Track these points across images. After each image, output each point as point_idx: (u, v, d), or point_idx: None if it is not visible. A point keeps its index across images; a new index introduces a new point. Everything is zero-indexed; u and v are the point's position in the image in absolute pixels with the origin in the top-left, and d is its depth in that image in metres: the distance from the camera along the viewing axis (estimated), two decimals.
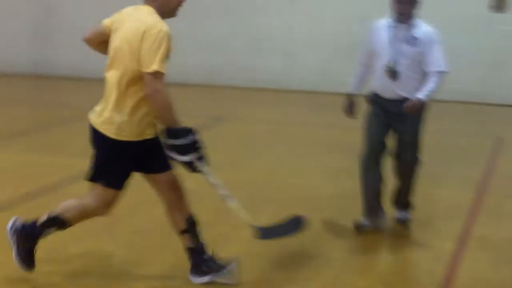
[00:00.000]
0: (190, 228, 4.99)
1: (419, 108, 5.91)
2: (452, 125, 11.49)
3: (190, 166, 4.66)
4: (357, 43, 12.98)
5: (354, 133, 10.08)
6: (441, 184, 8.06)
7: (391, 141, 6.21)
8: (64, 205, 4.93)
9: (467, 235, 6.30)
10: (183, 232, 4.99)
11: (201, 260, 5.01)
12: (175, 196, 4.95)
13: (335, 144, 9.77)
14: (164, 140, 4.65)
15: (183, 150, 4.59)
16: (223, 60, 14.40)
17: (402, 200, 6.39)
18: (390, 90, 6.14)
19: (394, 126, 6.17)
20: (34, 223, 4.93)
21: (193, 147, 4.63)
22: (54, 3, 15.34)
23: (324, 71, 13.98)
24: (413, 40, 6.06)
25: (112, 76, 4.67)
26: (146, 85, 4.51)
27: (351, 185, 7.12)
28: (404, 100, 6.00)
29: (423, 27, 6.09)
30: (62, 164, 8.30)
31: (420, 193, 6.63)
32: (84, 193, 4.94)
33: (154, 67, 4.48)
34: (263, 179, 7.91)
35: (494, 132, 11.05)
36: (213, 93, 13.84)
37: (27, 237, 4.92)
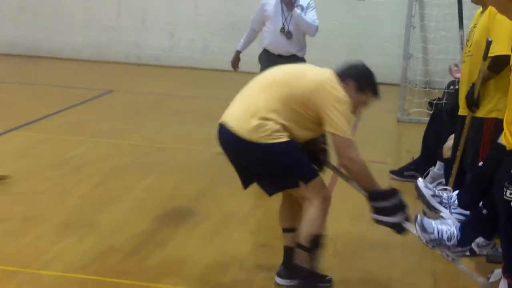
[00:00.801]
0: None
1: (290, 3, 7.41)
2: None
3: (399, 227, 4.29)
4: (234, 23, 13.55)
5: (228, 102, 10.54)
6: None
7: None
8: (301, 232, 4.40)
9: None
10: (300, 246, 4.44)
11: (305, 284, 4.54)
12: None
13: (212, 114, 10.10)
14: (371, 203, 4.27)
15: (391, 211, 4.23)
16: (110, 37, 14.54)
17: None
18: (282, 47, 7.53)
19: None
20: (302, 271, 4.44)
21: (399, 207, 4.29)
22: None
23: (204, 49, 14.35)
24: (299, 8, 7.46)
25: None
26: (341, 155, 4.19)
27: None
28: (291, 56, 7.42)
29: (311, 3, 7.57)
30: None
31: None
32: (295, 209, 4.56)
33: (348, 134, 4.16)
34: (149, 144, 8.11)
35: None
36: (101, 67, 13.96)
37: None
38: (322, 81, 4.27)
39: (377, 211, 4.21)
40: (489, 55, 5.15)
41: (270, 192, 4.49)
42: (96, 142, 7.93)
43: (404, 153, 8.05)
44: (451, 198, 5.04)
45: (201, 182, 6.80)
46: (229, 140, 4.32)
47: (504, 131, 3.17)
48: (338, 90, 4.21)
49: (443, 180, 6.43)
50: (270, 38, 7.62)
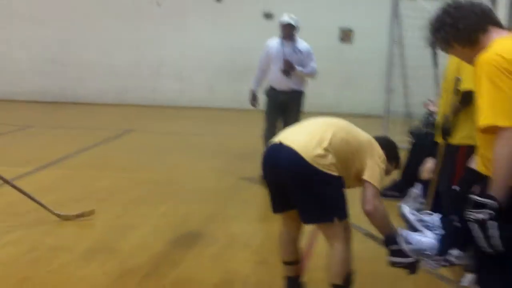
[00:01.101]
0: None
1: (291, 67, 7.86)
2: None
3: (414, 265, 4.06)
4: (238, 69, 13.65)
5: (234, 139, 10.61)
6: None
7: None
8: (333, 271, 4.19)
9: None
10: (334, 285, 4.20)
11: None
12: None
13: (220, 148, 10.19)
14: (389, 247, 4.05)
15: (406, 253, 3.96)
16: (130, 83, 14.63)
17: None
18: (283, 84, 7.98)
19: (284, 110, 8.02)
20: None
21: None
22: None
23: (211, 90, 14.44)
24: (298, 51, 7.95)
25: None
26: (367, 202, 4.12)
27: (233, 180, 7.66)
28: (292, 91, 8.02)
29: (303, 43, 8.07)
30: None
31: None
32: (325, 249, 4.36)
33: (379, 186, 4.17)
34: (164, 178, 8.10)
35: None
36: (122, 110, 14.03)
37: None
38: (373, 141, 4.29)
39: (394, 253, 4.01)
40: (462, 89, 5.20)
41: (308, 219, 4.20)
42: (117, 177, 7.94)
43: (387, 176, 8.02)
44: (434, 221, 5.05)
45: (209, 209, 6.80)
46: (291, 160, 3.99)
47: (478, 160, 3.20)
48: (381, 153, 4.27)
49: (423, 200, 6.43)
50: (273, 77, 8.04)
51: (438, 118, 5.60)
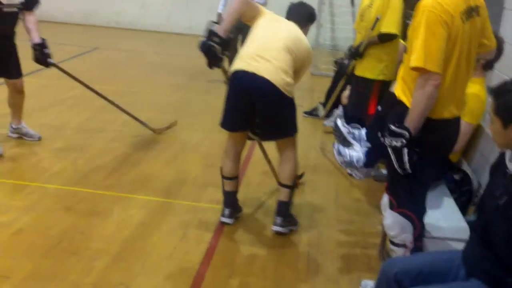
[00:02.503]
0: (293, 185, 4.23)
1: None
2: None
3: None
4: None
5: (187, 60, 10.47)
6: None
7: None
8: (285, 174, 4.16)
9: None
10: (285, 186, 4.18)
11: (288, 215, 4.23)
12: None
13: (175, 67, 10.03)
14: None
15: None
16: (96, 6, 14.12)
17: None
18: None
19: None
20: None
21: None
22: None
23: (168, 17, 14.08)
24: None
25: None
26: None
27: (184, 95, 7.57)
28: None
29: None
30: None
31: None
32: None
33: None
34: (126, 89, 7.97)
35: None
36: (89, 30, 13.54)
37: None
38: (309, 49, 4.16)
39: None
40: (382, 31, 5.22)
41: (276, 136, 4.16)
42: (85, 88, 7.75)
43: (315, 99, 8.11)
44: (360, 135, 5.15)
45: (165, 118, 6.75)
46: (264, 89, 3.88)
47: (397, 84, 3.20)
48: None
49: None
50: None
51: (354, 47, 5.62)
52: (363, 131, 4.89)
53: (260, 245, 4.03)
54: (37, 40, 5.19)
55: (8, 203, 4.27)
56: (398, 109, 3.06)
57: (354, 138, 4.73)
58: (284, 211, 4.19)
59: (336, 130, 5.01)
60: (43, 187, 4.62)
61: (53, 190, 4.59)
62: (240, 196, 4.41)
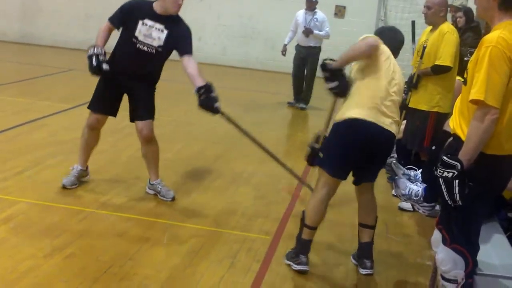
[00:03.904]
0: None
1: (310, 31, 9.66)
2: None
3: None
4: (248, 34, 13.49)
5: (241, 92, 10.58)
6: None
7: None
8: (372, 215, 4.18)
9: None
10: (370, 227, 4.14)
11: (367, 256, 4.13)
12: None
13: (230, 99, 10.11)
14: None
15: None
16: None
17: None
18: (305, 42, 9.69)
19: (305, 59, 9.83)
20: None
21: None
22: None
23: (223, 50, 14.31)
24: (315, 20, 9.73)
25: None
26: None
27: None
28: (310, 47, 9.73)
29: (320, 14, 9.83)
30: (43, 105, 8.22)
31: None
32: None
33: None
34: (182, 120, 8.11)
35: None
36: None
37: None
38: None
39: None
40: (436, 63, 5.24)
41: (374, 178, 4.15)
42: None
43: None
44: (416, 176, 5.10)
45: (218, 149, 6.82)
46: (390, 142, 3.95)
47: (453, 117, 3.17)
48: None
49: (395, 154, 6.45)
50: (299, 37, 9.84)
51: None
52: (419, 172, 4.82)
53: (307, 277, 3.99)
54: (200, 83, 4.72)
55: (63, 227, 4.36)
56: (452, 142, 3.04)
57: (410, 179, 4.66)
58: (371, 252, 4.12)
59: (390, 171, 4.96)
60: (96, 212, 4.70)
61: (106, 216, 4.67)
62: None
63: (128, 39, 4.82)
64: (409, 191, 4.57)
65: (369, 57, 3.83)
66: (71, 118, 7.58)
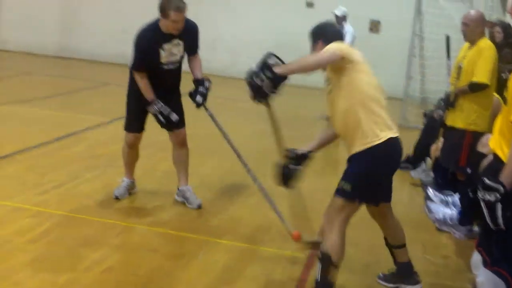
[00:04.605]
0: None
1: None
2: None
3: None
4: (281, 50, 13.57)
5: (277, 107, 10.54)
6: None
7: None
8: (401, 234, 3.95)
9: None
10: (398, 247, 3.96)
11: (410, 273, 4.00)
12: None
13: (262, 115, 10.16)
14: None
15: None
16: None
17: None
18: None
19: None
20: None
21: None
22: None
23: None
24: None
25: None
26: None
27: (270, 142, 7.61)
28: None
29: (349, 28, 9.80)
30: (83, 118, 8.37)
31: None
32: None
33: None
34: (215, 134, 8.14)
35: None
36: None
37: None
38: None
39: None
40: (473, 80, 5.19)
41: (390, 198, 3.85)
42: None
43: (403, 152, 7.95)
44: (453, 199, 5.07)
45: (251, 165, 6.81)
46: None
47: (492, 137, 3.13)
48: None
49: (432, 173, 6.40)
50: None
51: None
52: (456, 197, 4.76)
53: None
54: (198, 76, 5.15)
55: (101, 241, 4.41)
56: (493, 162, 2.99)
57: (447, 205, 4.62)
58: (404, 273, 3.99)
59: (428, 198, 4.92)
60: (132, 226, 4.76)
61: (142, 230, 4.71)
62: None
63: (155, 67, 4.99)
64: (443, 215, 4.54)
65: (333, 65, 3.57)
66: (108, 132, 7.70)
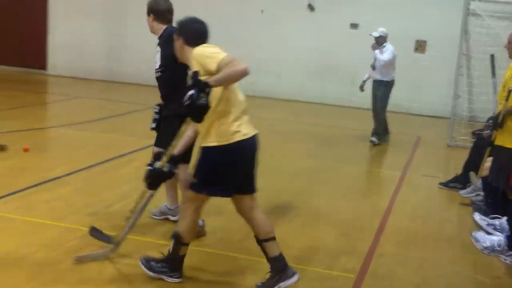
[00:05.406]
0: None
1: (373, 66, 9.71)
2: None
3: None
4: (325, 70, 13.60)
5: (319, 128, 10.58)
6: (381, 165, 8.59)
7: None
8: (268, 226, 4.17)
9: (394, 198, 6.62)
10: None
11: (285, 266, 4.12)
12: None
13: (310, 134, 10.26)
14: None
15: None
16: None
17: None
18: (373, 75, 9.71)
19: (376, 91, 9.75)
20: None
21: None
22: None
23: (301, 87, 14.42)
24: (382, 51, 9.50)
25: None
26: None
27: (315, 162, 7.64)
28: (377, 80, 9.68)
29: (388, 47, 9.55)
30: (130, 141, 8.51)
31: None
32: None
33: None
34: (260, 156, 8.18)
35: (415, 133, 11.42)
36: None
37: None
38: None
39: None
40: None
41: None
42: None
43: (451, 170, 7.87)
44: (502, 224, 4.99)
45: (298, 186, 6.85)
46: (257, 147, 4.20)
47: None
48: None
49: (481, 192, 6.31)
50: (371, 71, 9.80)
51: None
52: (504, 220, 4.67)
53: None
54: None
55: None
56: None
57: (495, 229, 4.54)
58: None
59: (476, 223, 4.85)
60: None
61: (189, 250, 4.76)
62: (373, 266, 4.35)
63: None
64: (490, 243, 4.46)
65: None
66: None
